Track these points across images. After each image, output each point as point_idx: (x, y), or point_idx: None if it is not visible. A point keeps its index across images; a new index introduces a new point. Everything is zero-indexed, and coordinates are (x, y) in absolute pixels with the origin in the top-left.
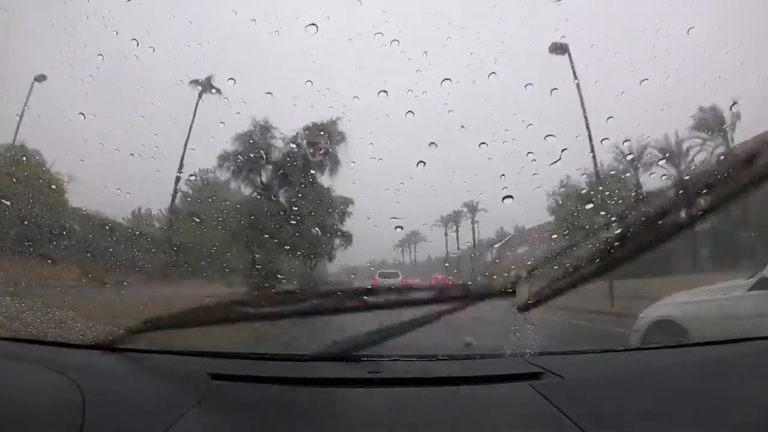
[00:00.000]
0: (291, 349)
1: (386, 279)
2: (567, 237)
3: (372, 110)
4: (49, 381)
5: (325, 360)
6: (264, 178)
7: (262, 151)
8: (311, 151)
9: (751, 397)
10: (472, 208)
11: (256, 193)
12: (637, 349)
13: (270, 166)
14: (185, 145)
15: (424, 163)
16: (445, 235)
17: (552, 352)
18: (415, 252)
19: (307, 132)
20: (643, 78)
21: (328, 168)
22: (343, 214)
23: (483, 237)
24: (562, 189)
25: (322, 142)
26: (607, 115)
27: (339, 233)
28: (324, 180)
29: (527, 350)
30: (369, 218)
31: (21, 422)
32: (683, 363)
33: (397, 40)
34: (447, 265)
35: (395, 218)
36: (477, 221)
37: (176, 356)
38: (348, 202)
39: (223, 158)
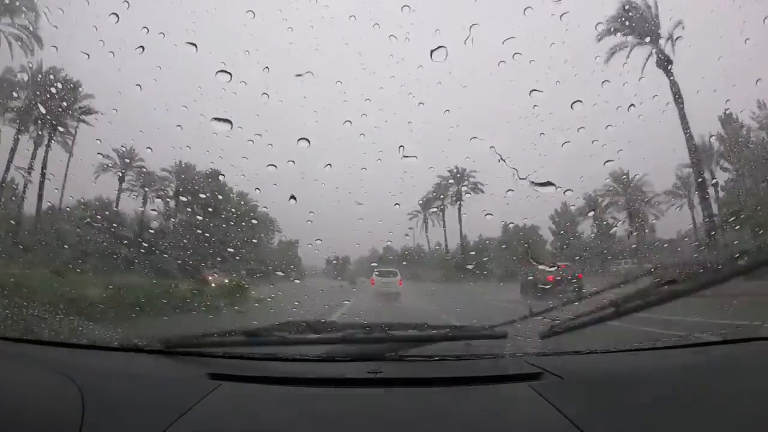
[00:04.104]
0: (291, 350)
1: (383, 278)
2: None
3: None
4: (49, 381)
5: (326, 360)
6: None
7: None
8: None
9: (751, 397)
10: None
11: None
12: (637, 349)
13: None
14: None
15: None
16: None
17: (552, 352)
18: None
19: None
20: None
21: None
22: None
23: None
24: None
25: None
26: None
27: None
28: None
29: (527, 350)
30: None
31: (21, 422)
32: (683, 363)
33: None
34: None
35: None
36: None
37: (176, 356)
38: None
39: None
